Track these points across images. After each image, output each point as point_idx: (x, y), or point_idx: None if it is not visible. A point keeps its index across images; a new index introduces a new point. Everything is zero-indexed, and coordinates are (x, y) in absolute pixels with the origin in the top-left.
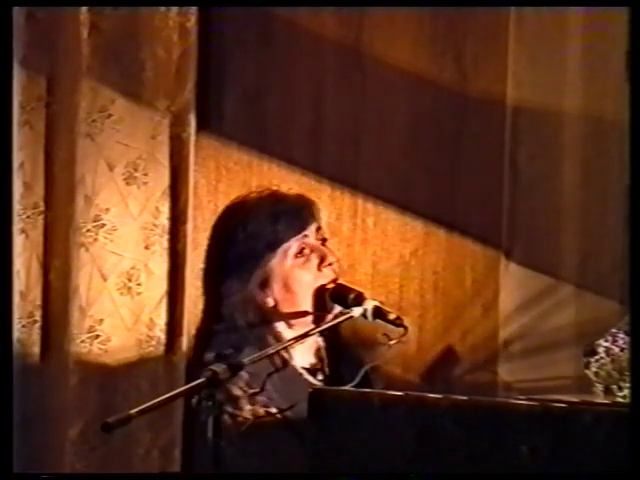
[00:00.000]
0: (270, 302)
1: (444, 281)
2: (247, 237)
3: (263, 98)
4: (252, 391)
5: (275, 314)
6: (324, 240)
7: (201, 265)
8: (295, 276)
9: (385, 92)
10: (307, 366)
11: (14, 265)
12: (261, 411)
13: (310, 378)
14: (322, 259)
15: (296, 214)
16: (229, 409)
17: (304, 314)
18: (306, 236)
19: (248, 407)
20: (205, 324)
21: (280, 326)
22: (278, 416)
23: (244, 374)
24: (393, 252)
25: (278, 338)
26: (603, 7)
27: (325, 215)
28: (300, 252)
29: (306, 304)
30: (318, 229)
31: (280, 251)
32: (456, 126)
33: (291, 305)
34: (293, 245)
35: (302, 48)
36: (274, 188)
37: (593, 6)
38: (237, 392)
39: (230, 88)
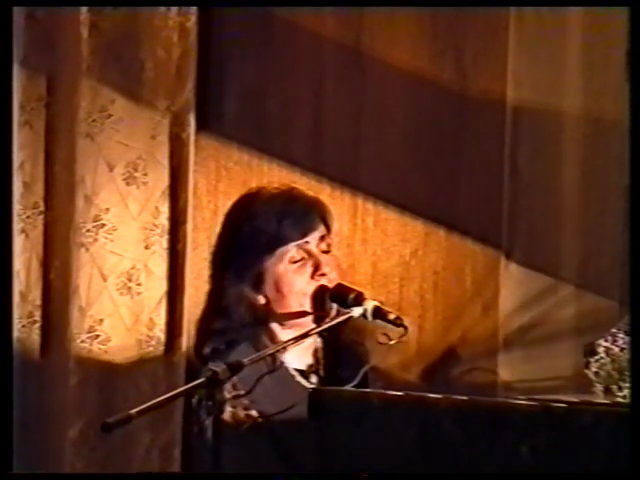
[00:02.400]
0: (261, 300)
1: (444, 281)
2: (251, 232)
3: (263, 98)
4: (235, 393)
5: (268, 312)
6: (328, 248)
7: (210, 251)
8: (287, 280)
9: (385, 92)
10: (302, 367)
11: (14, 265)
12: (242, 415)
13: (303, 381)
14: (316, 268)
15: (302, 218)
16: None
17: (303, 314)
18: (307, 242)
19: (229, 409)
20: (207, 313)
21: (274, 325)
22: (259, 420)
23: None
24: (393, 252)
25: (272, 337)
26: (603, 7)
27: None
28: (296, 258)
29: (295, 307)
30: (322, 237)
31: (278, 253)
32: (456, 126)
33: (280, 306)
34: (291, 250)
35: (302, 48)
36: (293, 185)
37: (593, 6)
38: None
39: (230, 88)
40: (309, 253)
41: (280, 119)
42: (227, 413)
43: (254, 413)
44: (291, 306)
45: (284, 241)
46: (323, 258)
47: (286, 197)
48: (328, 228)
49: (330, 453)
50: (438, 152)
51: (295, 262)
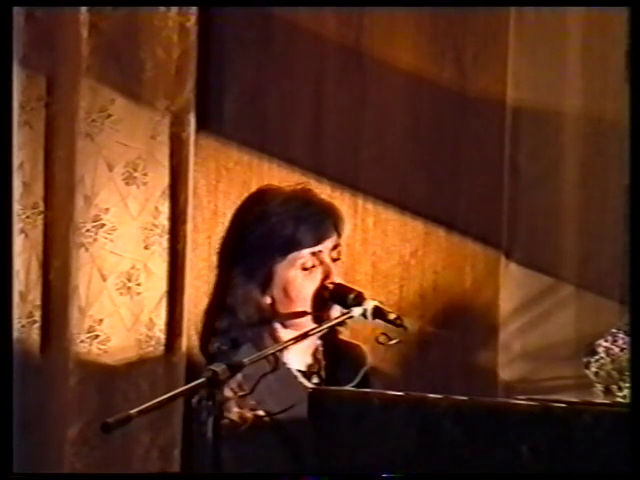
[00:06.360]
0: (267, 300)
1: (444, 281)
2: (264, 233)
3: (263, 98)
4: (242, 393)
5: (273, 313)
6: (339, 256)
7: (210, 251)
8: (296, 285)
9: (385, 92)
10: (303, 368)
11: (14, 265)
12: (249, 415)
13: (304, 381)
14: (327, 276)
15: (317, 225)
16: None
17: (303, 314)
18: (320, 252)
19: (235, 409)
20: (212, 309)
21: (277, 326)
22: (266, 419)
23: (237, 375)
24: (393, 252)
25: (275, 337)
26: (603, 7)
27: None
28: (308, 265)
29: (302, 310)
30: (335, 246)
31: (290, 257)
32: (456, 126)
33: (287, 308)
34: (304, 257)
35: (302, 48)
36: (308, 187)
37: (593, 6)
38: (227, 394)
39: (230, 88)
40: (321, 261)
41: (280, 119)
42: (234, 413)
43: (261, 413)
44: (297, 308)
45: (298, 246)
46: (334, 267)
47: (302, 200)
48: (339, 235)
49: (330, 453)
50: (438, 152)
51: (306, 269)
